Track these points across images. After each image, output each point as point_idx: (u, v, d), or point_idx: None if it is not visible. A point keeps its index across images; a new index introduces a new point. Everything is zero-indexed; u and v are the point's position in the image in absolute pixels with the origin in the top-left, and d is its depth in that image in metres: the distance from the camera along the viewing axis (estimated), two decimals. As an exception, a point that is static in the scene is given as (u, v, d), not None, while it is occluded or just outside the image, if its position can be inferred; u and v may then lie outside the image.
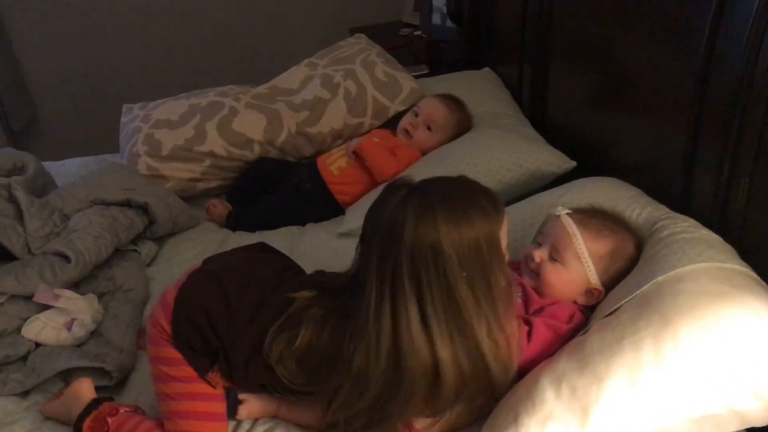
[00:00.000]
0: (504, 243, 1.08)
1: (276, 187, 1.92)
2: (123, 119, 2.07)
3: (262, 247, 1.35)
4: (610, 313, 1.09)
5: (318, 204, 1.86)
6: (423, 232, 1.00)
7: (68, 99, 3.05)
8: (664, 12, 1.38)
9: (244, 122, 1.96)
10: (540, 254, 1.24)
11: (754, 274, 1.10)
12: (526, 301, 1.23)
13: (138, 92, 2.65)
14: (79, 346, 1.45)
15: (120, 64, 3.01)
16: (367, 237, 1.08)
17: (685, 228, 1.18)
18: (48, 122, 3.09)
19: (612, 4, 1.57)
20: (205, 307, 1.15)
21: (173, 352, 1.16)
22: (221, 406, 1.20)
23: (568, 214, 1.25)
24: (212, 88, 2.14)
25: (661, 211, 1.28)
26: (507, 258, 1.09)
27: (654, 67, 1.43)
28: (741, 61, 1.16)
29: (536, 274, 1.24)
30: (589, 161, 1.69)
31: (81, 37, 2.94)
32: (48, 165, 1.99)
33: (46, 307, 1.48)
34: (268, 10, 3.09)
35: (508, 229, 1.42)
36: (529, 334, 1.14)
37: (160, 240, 1.77)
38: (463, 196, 1.05)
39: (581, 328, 1.16)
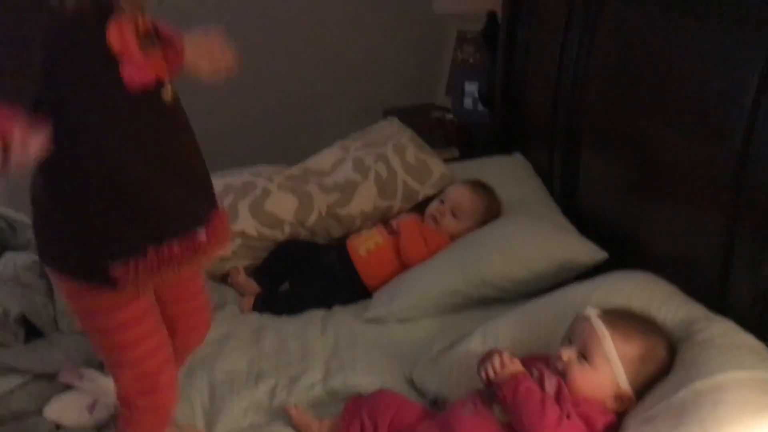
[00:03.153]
0: None
1: (304, 268, 1.92)
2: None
3: None
4: (646, 419, 1.05)
5: (346, 286, 1.85)
6: None
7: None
8: (699, 104, 1.38)
9: (276, 203, 1.98)
10: (568, 354, 1.21)
11: (797, 384, 1.05)
12: (559, 396, 1.20)
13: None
14: (99, 429, 1.43)
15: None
16: None
17: (724, 331, 1.15)
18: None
19: (645, 93, 1.57)
20: None
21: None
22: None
23: (598, 315, 1.22)
24: (246, 167, 2.17)
25: (698, 311, 1.25)
26: None
27: (689, 158, 1.42)
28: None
29: (563, 374, 1.20)
30: (622, 252, 1.67)
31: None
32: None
33: (69, 387, 1.47)
34: (302, 91, 3.16)
35: (536, 321, 1.40)
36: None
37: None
38: None
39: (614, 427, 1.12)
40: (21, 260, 1.70)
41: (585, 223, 1.82)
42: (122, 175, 1.04)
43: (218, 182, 2.04)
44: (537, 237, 1.68)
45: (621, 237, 1.71)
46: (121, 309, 1.12)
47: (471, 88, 2.69)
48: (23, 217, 1.96)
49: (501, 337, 1.42)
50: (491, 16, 2.38)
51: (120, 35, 1.01)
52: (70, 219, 1.06)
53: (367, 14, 3.07)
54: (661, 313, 1.28)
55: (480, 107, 2.61)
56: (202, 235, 1.16)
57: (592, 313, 1.23)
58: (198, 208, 1.18)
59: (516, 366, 1.21)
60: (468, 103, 2.72)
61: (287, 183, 2.05)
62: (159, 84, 1.08)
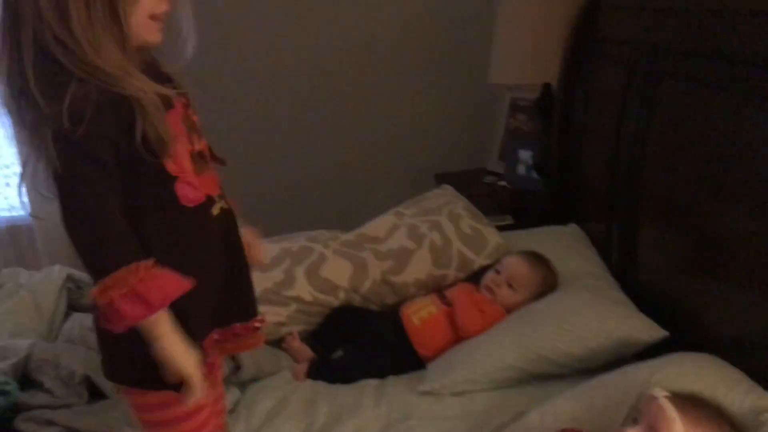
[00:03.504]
0: None
1: (358, 335, 1.93)
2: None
3: None
4: None
5: (400, 356, 1.85)
6: None
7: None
8: (759, 183, 1.37)
9: (331, 269, 2.01)
10: None
11: None
12: None
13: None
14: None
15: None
16: None
17: (795, 424, 1.11)
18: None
19: (703, 169, 1.56)
20: None
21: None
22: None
23: (667, 397, 1.20)
24: (303, 232, 2.21)
25: (765, 401, 1.21)
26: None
27: (751, 237, 1.40)
28: None
29: None
30: (681, 330, 1.63)
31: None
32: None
33: (128, 451, 1.50)
34: (357, 156, 3.23)
35: (596, 402, 1.37)
36: None
37: (242, 386, 1.79)
38: None
39: None
40: (87, 322, 1.75)
41: (643, 298, 1.79)
42: None
43: (276, 246, 2.10)
44: (595, 313, 1.66)
45: (681, 314, 1.67)
46: (177, 404, 1.17)
47: (524, 155, 2.72)
48: (89, 278, 2.02)
49: (559, 416, 1.39)
50: (546, 87, 2.41)
51: (176, 159, 1.11)
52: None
53: (421, 80, 3.14)
54: (727, 400, 1.24)
55: (533, 174, 2.62)
56: (238, 329, 1.30)
57: (660, 394, 1.20)
58: (234, 312, 1.30)
59: None
60: (521, 169, 2.74)
61: (343, 249, 2.08)
62: (210, 201, 1.19)
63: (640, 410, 1.24)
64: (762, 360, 1.36)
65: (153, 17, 1.10)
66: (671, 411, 1.16)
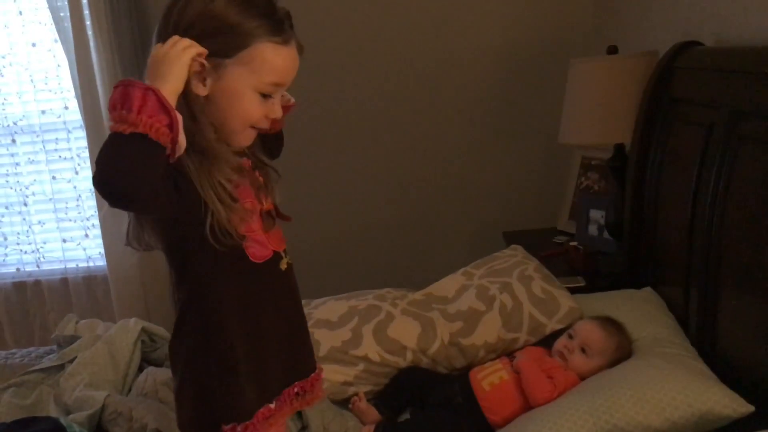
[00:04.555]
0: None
1: (426, 398, 1.90)
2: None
3: None
4: None
5: (468, 421, 1.80)
6: None
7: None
8: None
9: (399, 329, 2.00)
10: None
11: None
12: None
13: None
14: None
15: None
16: None
17: None
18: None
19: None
20: None
21: None
22: None
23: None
24: (371, 290, 2.22)
25: None
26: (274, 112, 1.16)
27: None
28: None
29: None
30: (764, 404, 1.55)
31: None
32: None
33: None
34: (426, 212, 3.25)
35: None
36: None
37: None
38: None
39: None
40: (160, 375, 1.79)
41: (725, 369, 1.71)
42: (231, 353, 1.19)
43: (343, 304, 2.11)
44: (675, 383, 1.59)
45: (762, 387, 1.59)
46: None
47: (596, 215, 2.67)
48: (163, 332, 2.08)
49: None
50: (619, 147, 2.38)
51: (246, 222, 1.16)
52: (191, 385, 1.21)
53: (492, 136, 3.15)
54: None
55: (605, 235, 2.57)
56: (299, 389, 1.33)
57: None
58: (299, 366, 1.34)
59: None
60: (593, 230, 2.68)
61: (411, 309, 2.07)
62: (277, 256, 1.24)
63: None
64: None
65: (253, 126, 1.17)
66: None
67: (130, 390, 1.95)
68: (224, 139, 1.14)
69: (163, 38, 1.05)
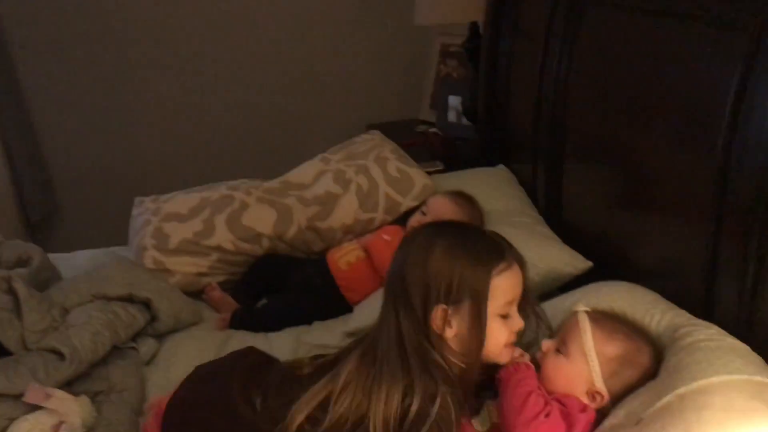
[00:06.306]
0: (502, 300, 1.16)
1: (284, 283, 1.87)
2: (134, 212, 2.05)
3: (253, 352, 1.30)
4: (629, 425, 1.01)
5: (326, 301, 1.80)
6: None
7: (88, 193, 3.08)
8: (680, 112, 1.35)
9: (253, 216, 1.93)
10: (547, 345, 1.21)
11: (786, 389, 1.01)
12: None
13: (154, 186, 2.66)
14: (65, 450, 1.37)
15: (137, 159, 3.06)
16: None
17: (710, 335, 1.10)
18: (67, 215, 3.11)
19: (626, 103, 1.54)
20: (197, 415, 1.10)
21: None
22: None
23: (585, 311, 1.20)
24: (225, 181, 2.13)
25: (682, 317, 1.21)
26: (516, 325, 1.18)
27: (671, 167, 1.39)
28: (762, 159, 1.11)
29: (538, 365, 1.20)
30: (607, 262, 1.63)
31: (102, 134, 3.00)
32: (57, 257, 1.96)
33: (35, 407, 1.41)
34: (286, 106, 3.14)
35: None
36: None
37: (161, 337, 1.71)
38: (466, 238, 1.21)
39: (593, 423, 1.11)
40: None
41: (569, 234, 1.79)
42: None
43: (195, 196, 2.02)
44: (520, 247, 1.63)
45: (606, 247, 1.67)
46: None
47: (455, 101, 2.68)
48: (-1, 237, 1.92)
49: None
50: (473, 27, 2.36)
51: None
52: None
53: (350, 30, 3.06)
54: (646, 319, 1.24)
55: (464, 121, 2.59)
56: None
57: (581, 308, 1.23)
58: None
59: (525, 359, 1.21)
60: (452, 116, 2.70)
61: (266, 196, 2.00)
62: None
63: (559, 327, 1.26)
64: (681, 284, 1.36)
65: (507, 344, 1.17)
66: (584, 323, 1.18)
67: None
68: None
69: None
